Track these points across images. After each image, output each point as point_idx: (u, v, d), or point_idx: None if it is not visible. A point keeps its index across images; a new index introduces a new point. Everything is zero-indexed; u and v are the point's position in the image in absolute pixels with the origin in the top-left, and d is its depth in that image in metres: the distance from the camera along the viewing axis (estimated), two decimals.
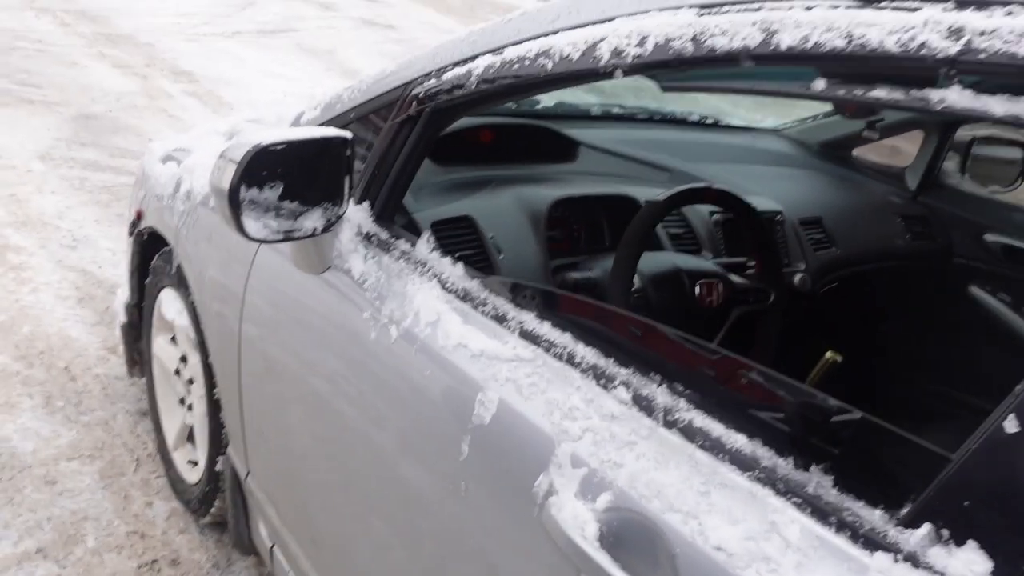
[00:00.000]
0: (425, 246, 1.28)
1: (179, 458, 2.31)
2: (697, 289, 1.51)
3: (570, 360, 1.00)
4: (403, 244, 1.32)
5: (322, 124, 1.58)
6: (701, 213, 1.91)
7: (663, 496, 0.84)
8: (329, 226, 1.35)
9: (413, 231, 1.53)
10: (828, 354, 1.71)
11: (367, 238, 1.38)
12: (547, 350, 1.03)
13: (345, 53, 8.93)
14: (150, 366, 2.42)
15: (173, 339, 2.29)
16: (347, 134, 1.32)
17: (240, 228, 1.24)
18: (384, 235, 1.36)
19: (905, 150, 2.61)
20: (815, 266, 1.99)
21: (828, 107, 2.57)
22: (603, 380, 0.96)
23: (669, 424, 0.88)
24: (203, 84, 7.83)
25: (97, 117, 6.19)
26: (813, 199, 2.21)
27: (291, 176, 1.30)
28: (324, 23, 9.95)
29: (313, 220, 1.33)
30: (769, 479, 0.79)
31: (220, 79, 8.00)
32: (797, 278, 1.86)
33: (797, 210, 2.08)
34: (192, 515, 2.25)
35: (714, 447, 0.84)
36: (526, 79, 1.14)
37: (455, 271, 1.21)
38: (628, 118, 2.43)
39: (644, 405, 0.91)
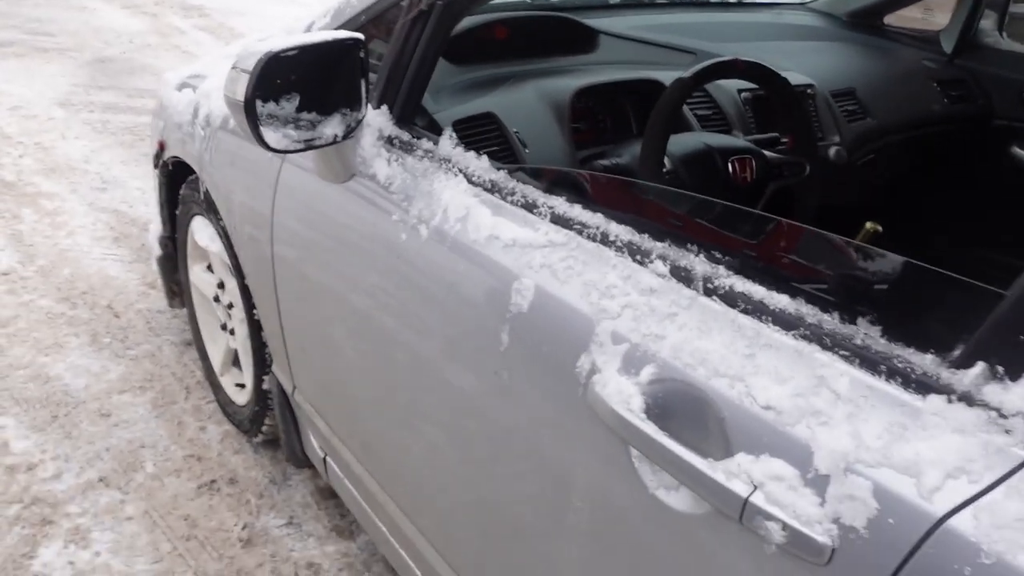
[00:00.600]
0: (448, 142, 1.26)
1: (227, 382, 2.35)
2: (730, 167, 1.48)
3: (604, 240, 0.99)
4: (425, 143, 1.30)
5: (335, 29, 1.54)
6: (729, 92, 1.85)
7: (708, 363, 0.83)
8: (350, 132, 1.33)
9: (435, 132, 1.51)
10: (868, 224, 1.68)
11: (389, 141, 1.36)
12: (580, 232, 1.02)
13: None
14: (189, 295, 2.45)
15: (209, 266, 2.31)
16: (359, 35, 1.29)
17: (260, 139, 1.22)
18: (406, 136, 1.34)
19: (937, 17, 2.50)
20: (850, 138, 1.94)
21: None
22: (639, 256, 0.95)
23: (709, 292, 0.87)
24: (214, 17, 7.73)
25: (112, 60, 6.16)
26: (845, 70, 2.13)
27: (306, 83, 1.27)
28: None
29: (333, 127, 1.31)
30: (815, 335, 0.78)
31: (231, 11, 7.89)
32: (832, 151, 1.81)
33: (829, 83, 2.01)
34: (244, 436, 2.31)
35: (756, 310, 0.83)
36: None
37: (480, 164, 1.19)
38: (648, 4, 2.35)
39: (682, 276, 0.90)
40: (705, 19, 2.35)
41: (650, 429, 0.85)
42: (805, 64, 2.08)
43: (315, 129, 1.30)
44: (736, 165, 1.48)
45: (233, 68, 1.23)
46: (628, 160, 1.51)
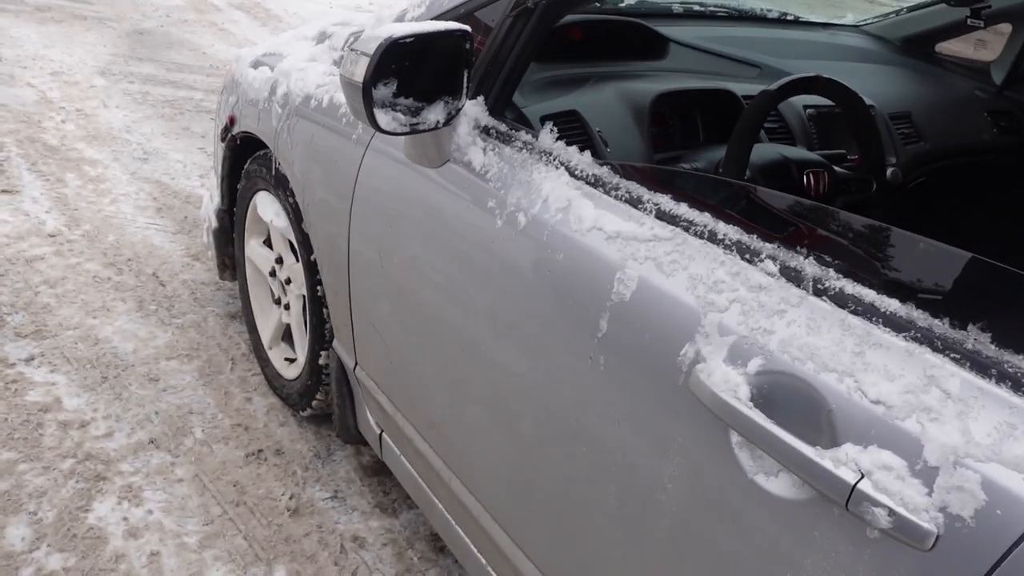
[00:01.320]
0: (548, 136, 1.32)
1: (275, 356, 2.41)
2: (804, 179, 1.54)
3: (711, 238, 1.05)
4: (524, 136, 1.36)
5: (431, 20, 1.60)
6: (795, 107, 1.91)
7: (816, 358, 0.89)
8: (450, 119, 1.39)
9: (524, 125, 1.57)
10: None
11: (485, 131, 1.42)
12: (686, 229, 1.08)
13: None
14: (243, 268, 2.51)
15: (266, 241, 2.37)
16: (467, 28, 1.35)
17: (373, 121, 1.28)
18: (503, 128, 1.40)
19: (991, 45, 2.56)
20: (904, 160, 2.00)
21: (910, 1, 2.53)
22: (748, 255, 1.00)
23: (819, 292, 0.93)
24: None
25: (150, 32, 6.22)
26: (900, 94, 2.19)
27: (415, 70, 1.33)
28: None
29: (436, 113, 1.37)
30: (926, 338, 0.84)
31: None
32: (889, 172, 1.87)
33: (885, 105, 2.07)
34: (291, 409, 2.37)
35: (867, 312, 0.89)
36: None
37: (582, 158, 1.25)
38: (709, 15, 2.41)
39: (792, 276, 0.96)
40: (765, 34, 2.41)
41: (757, 416, 0.91)
42: (862, 85, 2.13)
43: (418, 115, 1.36)
44: (811, 177, 1.54)
45: (352, 50, 1.29)
46: (705, 166, 1.57)
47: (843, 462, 0.83)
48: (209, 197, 2.71)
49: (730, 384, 0.94)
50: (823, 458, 0.84)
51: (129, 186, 3.66)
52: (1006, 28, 2.42)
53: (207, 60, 5.70)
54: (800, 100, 1.90)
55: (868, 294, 0.90)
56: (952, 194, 2.20)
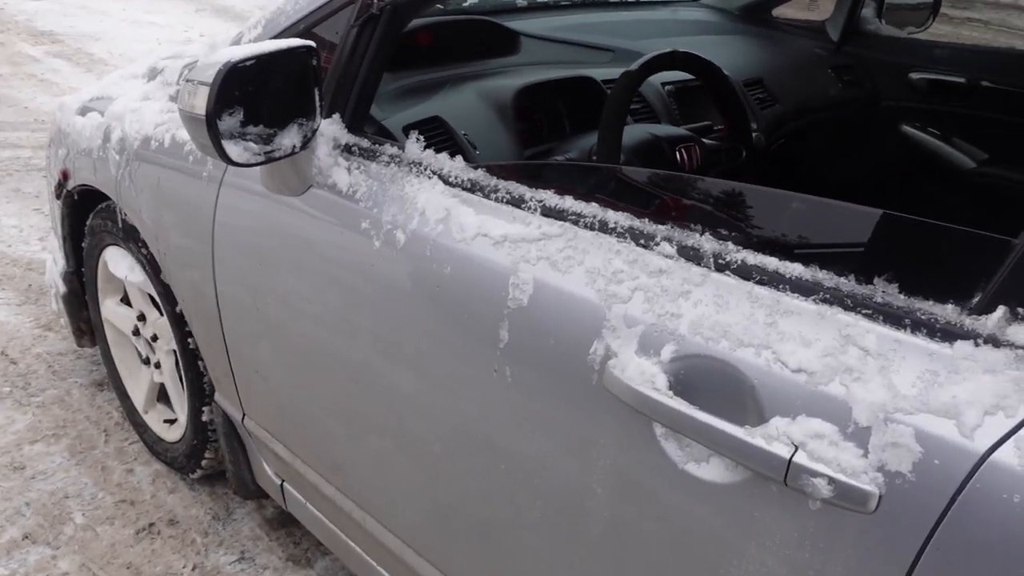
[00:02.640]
0: (415, 146, 1.25)
1: (153, 420, 2.24)
2: (678, 155, 1.53)
3: (603, 228, 1.01)
4: (390, 149, 1.28)
5: None
6: (654, 86, 1.91)
7: (730, 335, 0.86)
8: (307, 142, 1.30)
9: (387, 138, 1.49)
10: None
11: (347, 149, 1.34)
12: (575, 223, 1.03)
13: None
14: (102, 332, 2.32)
15: (123, 299, 2.20)
16: (311, 43, 1.27)
17: (223, 154, 1.18)
18: (365, 143, 1.32)
19: (822, 5, 2.66)
20: (764, 124, 2.04)
21: None
22: (643, 240, 0.97)
23: (721, 268, 0.90)
24: (68, 43, 7.35)
25: None
26: (748, 61, 2.24)
27: (261, 94, 1.24)
28: None
29: (291, 138, 1.28)
30: (835, 298, 0.82)
31: (84, 35, 7.52)
32: (752, 137, 1.90)
33: (737, 73, 2.10)
34: (178, 473, 2.20)
35: (772, 280, 0.86)
36: None
37: (454, 164, 1.19)
38: (554, 6, 2.40)
39: (691, 255, 0.93)
40: (611, 18, 2.42)
41: (679, 404, 0.87)
42: (712, 56, 2.17)
43: (271, 142, 1.27)
44: (683, 153, 1.53)
45: (188, 81, 1.18)
46: (578, 155, 1.54)
47: (775, 437, 0.80)
48: (52, 260, 2.49)
49: (646, 376, 0.90)
50: (754, 437, 0.81)
51: None
52: None
53: (30, 115, 5.32)
54: (658, 78, 1.90)
55: (770, 262, 0.87)
56: (812, 150, 2.26)
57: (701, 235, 0.94)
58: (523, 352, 1.05)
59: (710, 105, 1.87)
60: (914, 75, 2.36)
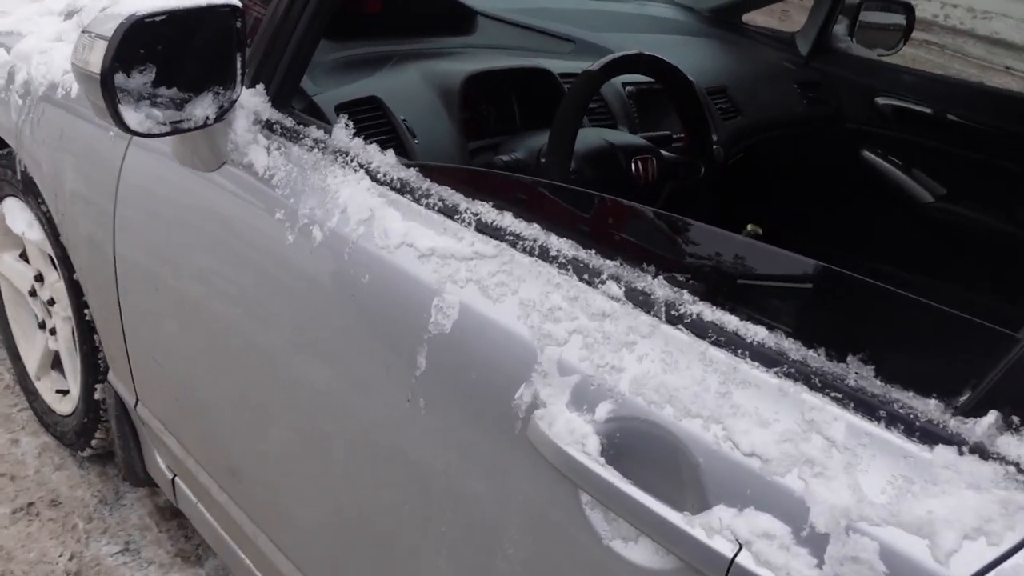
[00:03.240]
0: (343, 132, 1.11)
1: (44, 387, 2.06)
2: (632, 166, 1.41)
3: (543, 254, 0.88)
4: (315, 132, 1.14)
5: None
6: (615, 86, 1.79)
7: (676, 401, 0.75)
8: (223, 114, 1.15)
9: (315, 116, 1.34)
10: (749, 227, 1.67)
11: (268, 126, 1.19)
12: (513, 244, 0.91)
13: None
14: None
15: (23, 255, 2.01)
16: (236, 2, 1.11)
17: (119, 120, 1.03)
18: (289, 122, 1.17)
19: (794, 16, 2.56)
20: (724, 136, 1.93)
21: None
22: (587, 275, 0.85)
23: (673, 320, 0.78)
24: None
25: None
26: (714, 67, 2.13)
27: (172, 56, 1.08)
28: None
29: (204, 108, 1.12)
30: (800, 373, 0.71)
31: None
32: (713, 152, 1.79)
33: (701, 79, 1.98)
34: (67, 449, 2.03)
35: (730, 342, 0.75)
36: None
37: (385, 159, 1.05)
38: None
39: (640, 300, 0.81)
40: (576, 5, 2.29)
41: (610, 475, 0.75)
42: (678, 59, 2.05)
43: (183, 109, 1.11)
44: (638, 165, 1.42)
45: (85, 32, 1.02)
46: (525, 155, 1.41)
47: (716, 530, 0.69)
48: None
49: (576, 435, 0.78)
50: (693, 526, 0.70)
51: None
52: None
53: None
54: (620, 78, 1.78)
55: (730, 321, 0.76)
56: (771, 169, 2.17)
57: (654, 278, 0.82)
58: (441, 384, 0.93)
59: (670, 110, 1.75)
60: (880, 100, 2.28)
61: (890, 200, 2.23)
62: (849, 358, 0.71)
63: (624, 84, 1.81)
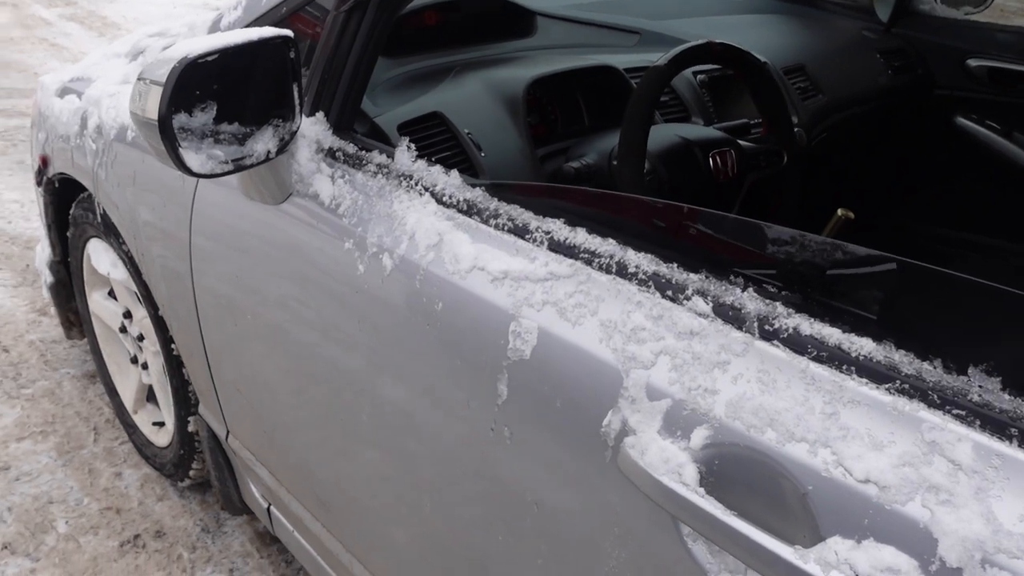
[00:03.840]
0: (406, 156, 1.08)
1: (142, 420, 2.11)
2: (711, 161, 1.34)
3: (621, 271, 0.83)
4: (378, 156, 1.11)
5: (249, 25, 1.33)
6: (684, 75, 1.72)
7: (778, 424, 0.69)
8: (284, 146, 1.14)
9: (378, 138, 1.32)
10: (840, 211, 1.58)
11: (331, 154, 1.17)
12: (588, 262, 0.86)
13: None
14: (90, 326, 2.18)
15: (111, 293, 2.06)
16: (288, 32, 1.09)
17: (180, 163, 1.02)
18: (351, 148, 1.15)
19: None
20: (805, 118, 1.83)
21: None
22: (670, 291, 0.79)
23: (768, 335, 0.72)
24: (82, 5, 7.20)
25: None
26: (789, 45, 2.03)
27: (228, 92, 1.07)
28: None
29: (264, 142, 1.11)
30: (916, 389, 0.64)
31: None
32: (795, 137, 1.70)
33: (776, 59, 1.90)
34: (167, 480, 2.07)
35: (834, 358, 0.69)
36: None
37: (450, 181, 1.02)
38: None
39: (730, 316, 0.75)
40: None
41: (711, 506, 0.70)
42: (749, 40, 1.96)
43: (243, 145, 1.10)
44: (717, 159, 1.35)
45: (140, 80, 1.01)
46: (596, 159, 1.35)
47: (833, 564, 0.63)
48: (41, 247, 2.35)
49: (671, 464, 0.73)
50: (807, 560, 0.64)
51: None
52: None
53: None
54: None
55: (831, 334, 0.70)
56: (858, 147, 2.06)
57: (743, 291, 0.76)
58: (525, 412, 0.89)
59: (747, 96, 1.67)
60: (972, 62, 2.14)
61: (991, 167, 2.09)
62: (970, 370, 0.64)
63: (695, 73, 1.74)
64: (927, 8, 2.29)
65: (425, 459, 1.05)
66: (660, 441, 0.75)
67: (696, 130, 1.43)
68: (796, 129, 1.75)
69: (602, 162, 1.34)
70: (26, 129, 4.39)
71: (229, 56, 1.03)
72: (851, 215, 1.59)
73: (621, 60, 1.69)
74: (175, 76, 0.97)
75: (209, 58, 1.00)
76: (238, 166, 1.08)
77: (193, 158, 1.03)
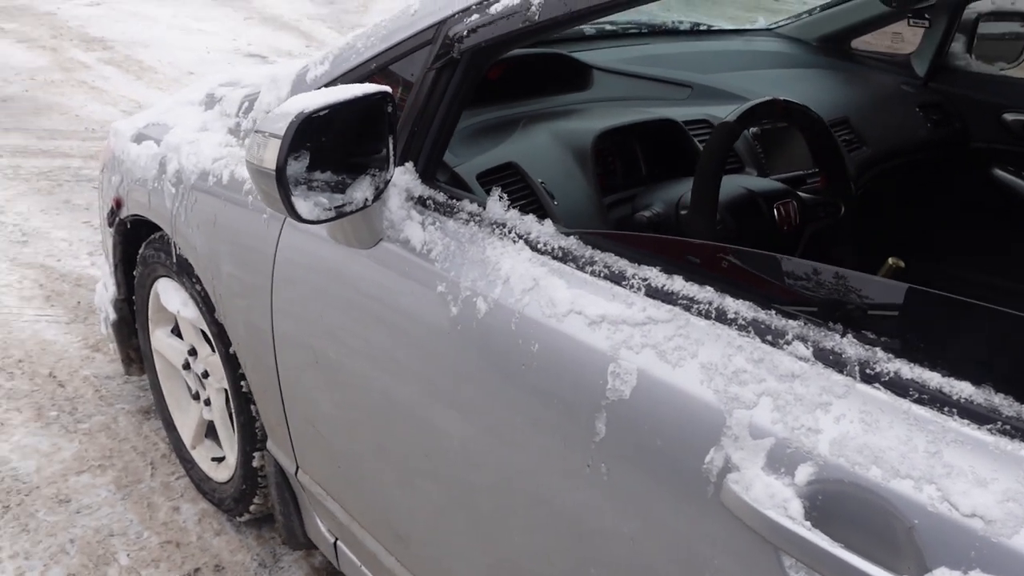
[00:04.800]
0: (498, 205, 1.14)
1: (200, 456, 2.16)
2: (775, 212, 1.41)
3: (720, 317, 0.89)
4: (469, 205, 1.18)
5: (336, 80, 1.41)
6: None
7: (882, 461, 0.74)
8: (379, 194, 1.20)
9: (459, 186, 1.39)
10: (890, 260, 1.63)
11: (420, 202, 1.24)
12: (687, 308, 0.92)
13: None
14: (151, 363, 2.25)
15: (175, 331, 2.12)
16: (386, 88, 1.17)
17: (292, 210, 1.09)
18: (441, 197, 1.22)
19: (907, 37, 2.51)
20: (851, 169, 1.90)
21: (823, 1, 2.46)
22: (770, 336, 0.85)
23: (869, 379, 0.78)
24: (118, 50, 7.39)
25: (14, 99, 5.79)
26: (832, 99, 2.11)
27: (331, 142, 1.14)
28: None
29: (362, 190, 1.18)
30: (1017, 430, 0.70)
31: (135, 42, 7.56)
32: (851, 189, 1.77)
33: (822, 112, 1.96)
34: (224, 514, 2.12)
35: (935, 400, 0.74)
36: (605, 2, 0.99)
37: (544, 229, 1.08)
38: (623, 34, 2.28)
39: (831, 360, 0.81)
40: (684, 48, 2.30)
41: (818, 538, 0.75)
42: (793, 93, 2.04)
43: (343, 193, 1.17)
44: (781, 209, 1.41)
45: (257, 132, 1.09)
46: (664, 208, 1.42)
47: None
48: (103, 285, 2.43)
49: (777, 499, 0.78)
50: None
51: (10, 275, 3.32)
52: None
53: (81, 123, 5.32)
54: None
55: (932, 377, 0.75)
56: (900, 197, 2.12)
57: (842, 336, 0.82)
58: (623, 450, 0.94)
59: (796, 148, 1.74)
60: (1008, 116, 2.21)
61: None
62: None
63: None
64: (963, 64, 2.36)
65: (516, 494, 1.10)
66: (764, 477, 0.80)
67: (759, 182, 1.50)
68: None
69: (669, 211, 1.41)
70: (70, 169, 4.52)
71: (337, 110, 1.10)
72: (902, 264, 1.64)
73: (675, 112, 1.77)
74: (293, 129, 1.04)
75: (321, 112, 1.07)
76: (339, 213, 1.15)
77: (302, 205, 1.10)
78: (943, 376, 0.75)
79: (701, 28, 2.48)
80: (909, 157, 2.14)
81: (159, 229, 1.92)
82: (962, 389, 0.73)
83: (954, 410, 0.73)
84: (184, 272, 1.84)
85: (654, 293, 0.95)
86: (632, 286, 0.97)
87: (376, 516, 1.43)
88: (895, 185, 2.11)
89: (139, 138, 1.98)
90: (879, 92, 2.26)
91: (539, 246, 1.07)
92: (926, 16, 2.22)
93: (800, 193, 1.50)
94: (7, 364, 2.72)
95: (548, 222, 1.09)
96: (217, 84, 2.03)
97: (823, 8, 2.49)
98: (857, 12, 2.37)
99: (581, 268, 1.03)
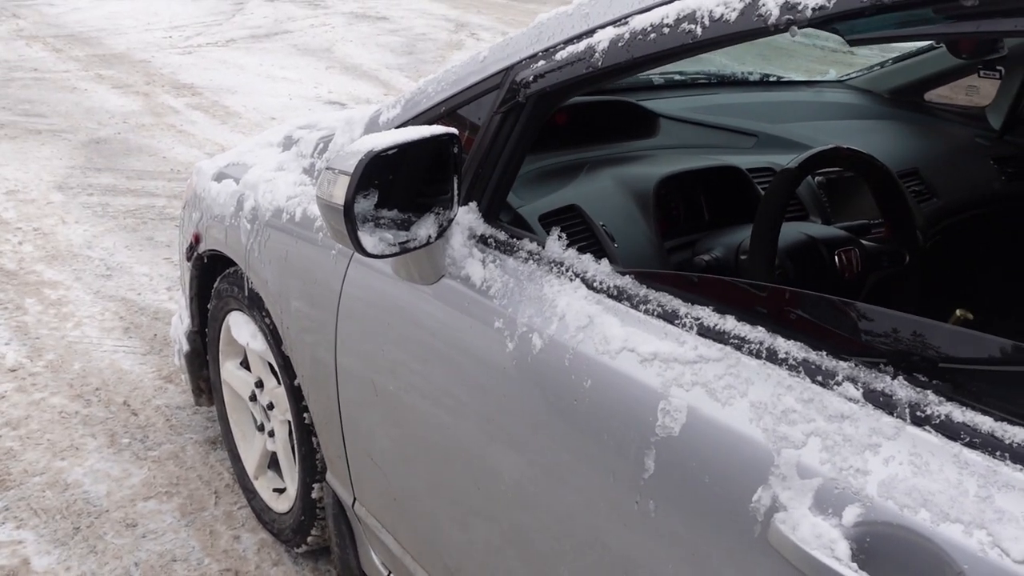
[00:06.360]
0: (557, 244, 1.17)
1: (262, 486, 2.21)
2: (836, 259, 1.40)
3: (771, 357, 0.89)
4: (528, 244, 1.21)
5: (407, 122, 1.47)
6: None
7: (932, 505, 0.73)
8: (442, 232, 1.24)
9: (521, 227, 1.43)
10: (958, 311, 1.60)
11: (482, 240, 1.28)
12: (738, 348, 0.92)
13: (343, 49, 8.82)
14: (220, 394, 2.32)
15: (243, 364, 2.19)
16: (454, 130, 1.21)
17: (358, 245, 1.13)
18: (502, 236, 1.25)
19: (983, 90, 2.48)
20: (921, 220, 1.88)
21: (896, 52, 2.45)
22: (820, 376, 0.85)
23: (919, 421, 0.77)
24: (206, 96, 7.72)
25: (107, 141, 6.09)
26: (903, 150, 2.09)
27: (398, 180, 1.19)
28: (316, 21, 9.83)
29: (427, 227, 1.22)
30: None
31: (222, 88, 7.90)
32: (917, 239, 1.74)
33: (891, 163, 1.95)
34: (283, 545, 2.16)
35: (987, 444, 0.73)
36: (665, 49, 1.02)
37: (600, 268, 1.11)
38: (691, 84, 2.31)
39: (881, 401, 0.80)
40: (752, 99, 2.31)
41: None
42: (862, 143, 2.03)
43: (408, 230, 1.21)
44: (842, 256, 1.41)
45: (328, 169, 1.14)
46: (724, 253, 1.43)
47: None
48: (178, 318, 2.53)
49: (824, 539, 0.78)
50: None
51: (93, 307, 3.47)
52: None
53: (167, 165, 5.56)
54: None
55: (984, 421, 0.74)
56: (971, 249, 2.08)
57: (893, 379, 0.81)
58: (671, 487, 0.94)
59: (863, 197, 1.73)
60: None
61: None
62: None
63: (813, 174, 1.81)
64: None
65: (564, 529, 1.11)
66: (812, 517, 0.80)
67: (821, 229, 1.50)
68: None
69: (729, 256, 1.42)
70: (155, 208, 4.72)
71: (404, 150, 1.15)
72: (970, 316, 1.61)
73: (740, 161, 1.78)
74: (362, 167, 1.09)
75: (389, 152, 1.12)
76: (403, 248, 1.19)
77: (368, 240, 1.14)
78: (995, 420, 0.74)
79: (771, 79, 2.49)
80: (982, 210, 2.10)
81: (234, 264, 2.00)
82: (1015, 433, 0.72)
83: (1006, 454, 0.72)
84: (255, 306, 1.91)
85: (706, 332, 0.96)
86: (685, 325, 0.98)
87: (429, 550, 1.45)
88: (966, 237, 2.07)
89: (219, 176, 2.07)
90: (951, 144, 2.23)
91: (595, 284, 1.10)
92: (998, 67, 2.19)
93: (863, 241, 1.49)
94: (85, 392, 2.83)
95: (604, 261, 1.11)
96: (295, 127, 2.12)
97: (895, 60, 2.48)
98: (929, 64, 2.36)
99: (635, 307, 1.04)
